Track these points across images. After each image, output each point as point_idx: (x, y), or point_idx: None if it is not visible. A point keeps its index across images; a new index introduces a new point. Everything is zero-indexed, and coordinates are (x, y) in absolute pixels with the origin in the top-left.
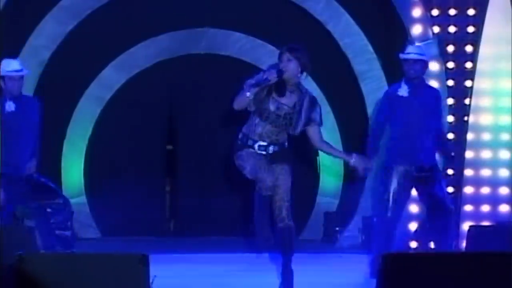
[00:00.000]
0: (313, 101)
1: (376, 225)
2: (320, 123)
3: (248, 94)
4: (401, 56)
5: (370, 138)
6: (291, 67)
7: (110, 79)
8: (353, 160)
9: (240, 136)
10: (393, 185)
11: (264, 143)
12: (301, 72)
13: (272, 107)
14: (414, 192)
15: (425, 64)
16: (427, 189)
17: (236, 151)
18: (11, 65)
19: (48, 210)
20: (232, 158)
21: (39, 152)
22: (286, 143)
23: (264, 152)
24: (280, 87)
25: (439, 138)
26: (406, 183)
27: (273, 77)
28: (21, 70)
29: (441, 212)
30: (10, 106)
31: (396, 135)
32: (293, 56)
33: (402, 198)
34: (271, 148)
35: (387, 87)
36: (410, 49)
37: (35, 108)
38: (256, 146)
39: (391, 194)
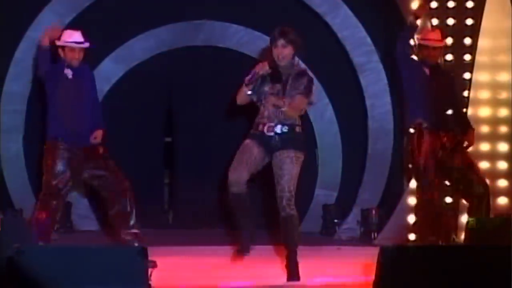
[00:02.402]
0: (300, 74)
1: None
2: (304, 92)
3: (249, 92)
4: (421, 42)
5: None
6: (286, 52)
7: (108, 71)
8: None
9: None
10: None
11: (272, 124)
12: (294, 54)
13: (267, 89)
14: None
15: (442, 50)
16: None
17: (244, 140)
18: (73, 36)
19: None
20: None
21: (103, 122)
22: (299, 128)
23: (272, 133)
24: (274, 75)
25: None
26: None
27: (265, 70)
28: (82, 42)
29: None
30: (68, 73)
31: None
32: (287, 41)
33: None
34: (279, 127)
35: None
36: (430, 34)
37: (91, 78)
38: (265, 128)
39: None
